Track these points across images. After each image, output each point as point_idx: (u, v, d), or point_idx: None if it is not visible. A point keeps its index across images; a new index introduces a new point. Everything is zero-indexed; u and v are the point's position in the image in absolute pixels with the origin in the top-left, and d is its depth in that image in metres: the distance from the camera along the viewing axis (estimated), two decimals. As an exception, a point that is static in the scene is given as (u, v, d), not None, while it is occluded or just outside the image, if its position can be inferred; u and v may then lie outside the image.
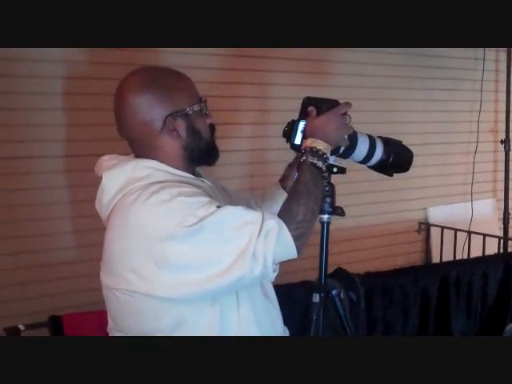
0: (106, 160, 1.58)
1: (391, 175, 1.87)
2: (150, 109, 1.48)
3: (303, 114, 1.69)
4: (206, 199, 1.44)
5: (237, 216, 1.41)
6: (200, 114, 1.55)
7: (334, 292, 1.87)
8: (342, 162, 1.75)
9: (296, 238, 1.43)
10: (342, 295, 1.88)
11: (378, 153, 1.79)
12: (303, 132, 1.67)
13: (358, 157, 1.79)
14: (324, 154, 1.58)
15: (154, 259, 1.38)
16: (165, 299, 1.42)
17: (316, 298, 1.83)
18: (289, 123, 1.73)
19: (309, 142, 1.59)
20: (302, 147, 1.60)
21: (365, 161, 1.81)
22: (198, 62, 3.09)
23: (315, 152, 1.56)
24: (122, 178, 1.48)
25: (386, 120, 3.93)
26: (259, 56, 3.41)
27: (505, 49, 4.39)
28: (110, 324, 1.59)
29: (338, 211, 1.78)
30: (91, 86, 2.89)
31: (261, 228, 1.38)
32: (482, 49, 4.38)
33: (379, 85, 4.03)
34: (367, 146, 1.78)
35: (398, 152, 1.83)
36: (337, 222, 1.88)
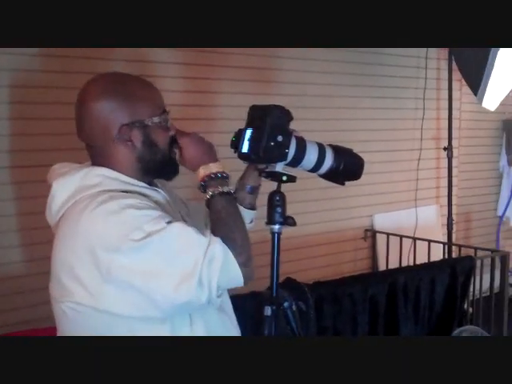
0: (57, 168, 1.53)
1: (343, 184, 1.84)
2: (108, 115, 1.44)
3: (250, 122, 1.64)
4: (156, 213, 1.38)
5: (185, 237, 1.36)
6: (160, 126, 1.50)
7: (285, 304, 1.82)
8: (291, 171, 1.71)
9: (243, 264, 1.38)
10: (293, 307, 1.83)
11: (328, 161, 1.76)
12: (250, 140, 1.62)
13: (307, 165, 1.75)
14: (223, 173, 1.51)
15: (99, 270, 1.33)
16: (110, 314, 1.37)
17: (268, 311, 1.77)
18: (236, 133, 1.68)
19: (201, 173, 1.50)
20: (199, 180, 1.51)
21: (314, 169, 1.77)
22: (141, 70, 3.02)
23: (213, 178, 1.49)
24: (72, 185, 1.44)
25: (332, 128, 3.93)
26: (205, 64, 3.37)
27: (446, 58, 4.47)
28: None
29: (289, 221, 1.73)
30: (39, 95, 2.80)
31: (205, 253, 1.33)
32: (424, 58, 4.46)
33: (324, 93, 4.04)
34: (316, 155, 1.74)
35: (349, 160, 1.80)
36: (283, 231, 1.84)
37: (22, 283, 2.80)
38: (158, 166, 1.51)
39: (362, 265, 4.38)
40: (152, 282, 1.33)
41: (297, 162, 1.71)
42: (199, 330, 1.46)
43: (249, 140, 1.62)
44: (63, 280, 1.40)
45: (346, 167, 1.78)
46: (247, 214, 1.74)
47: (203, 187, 1.49)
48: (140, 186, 1.48)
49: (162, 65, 3.21)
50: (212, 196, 1.47)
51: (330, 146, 1.79)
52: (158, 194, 1.52)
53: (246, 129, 1.65)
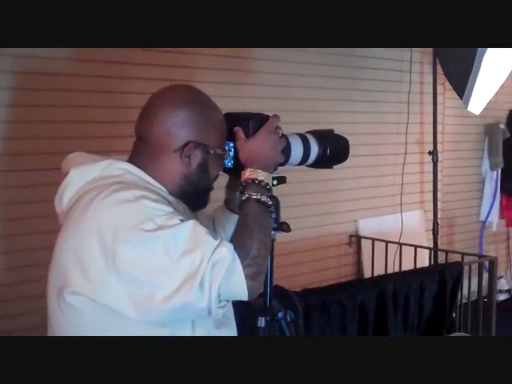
0: (75, 156, 1.51)
1: (331, 167, 1.77)
2: (181, 125, 1.44)
3: (228, 134, 1.54)
4: (169, 209, 1.34)
5: (196, 236, 1.29)
6: (218, 159, 1.50)
7: (279, 314, 1.74)
8: (279, 171, 1.63)
9: (250, 277, 1.29)
10: (288, 318, 1.75)
11: (314, 149, 1.69)
12: (234, 154, 1.53)
13: (295, 161, 1.67)
14: (267, 184, 1.47)
15: (104, 260, 1.28)
16: (107, 309, 1.30)
17: (261, 321, 1.69)
18: None
19: (248, 174, 1.46)
20: (242, 179, 1.47)
21: (303, 162, 1.69)
22: (107, 71, 2.95)
23: (257, 184, 1.45)
24: (91, 174, 1.42)
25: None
26: (178, 66, 3.28)
27: (430, 62, 4.43)
28: None
29: (283, 227, 1.65)
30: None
31: (212, 255, 1.26)
32: (408, 61, 4.42)
33: (307, 96, 3.98)
34: (302, 147, 1.66)
35: (334, 143, 1.74)
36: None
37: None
38: (197, 192, 1.49)
39: (346, 271, 4.32)
40: (155, 278, 1.27)
41: (284, 161, 1.63)
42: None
43: (232, 154, 1.53)
44: (66, 267, 1.34)
45: (333, 151, 1.72)
46: None
47: (242, 188, 1.46)
48: (162, 190, 1.45)
49: (130, 66, 3.11)
50: (247, 199, 1.42)
51: (310, 132, 1.71)
52: (179, 204, 1.47)
53: (226, 142, 1.55)
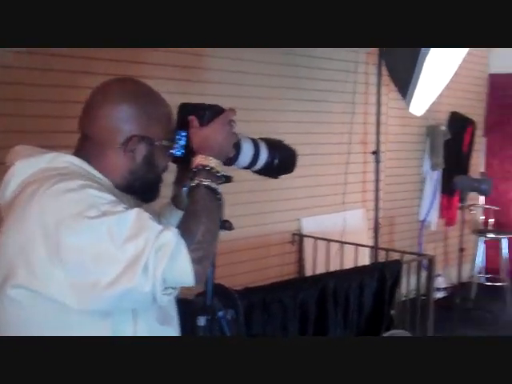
0: (20, 150, 1.48)
1: (277, 177, 1.77)
2: (123, 120, 1.43)
3: (182, 124, 1.54)
4: (113, 198, 1.32)
5: (139, 222, 1.28)
6: (164, 151, 1.49)
7: (220, 313, 1.72)
8: (225, 170, 1.61)
9: (196, 261, 1.29)
10: (228, 316, 1.74)
11: (263, 156, 1.68)
12: (185, 143, 1.52)
13: (243, 163, 1.66)
14: (217, 172, 1.46)
15: (48, 251, 1.26)
16: (51, 301, 1.27)
17: (201, 321, 1.67)
18: None
19: (199, 160, 1.45)
20: (193, 166, 1.46)
21: (250, 166, 1.68)
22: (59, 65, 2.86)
23: (208, 171, 1.44)
24: (36, 166, 1.40)
25: (259, 130, 3.82)
26: (131, 61, 3.23)
27: (375, 63, 4.48)
28: None
29: (225, 225, 1.64)
30: None
31: (156, 239, 1.25)
32: (353, 62, 4.47)
33: (251, 95, 3.97)
34: (252, 151, 1.66)
35: (283, 153, 1.74)
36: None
37: None
38: (144, 185, 1.48)
39: (289, 269, 4.33)
40: (100, 264, 1.25)
41: (232, 160, 1.62)
42: (143, 332, 1.37)
43: (183, 143, 1.52)
44: (9, 259, 1.31)
45: (281, 161, 1.72)
46: None
47: (193, 174, 1.44)
48: (107, 182, 1.43)
49: (80, 60, 3.05)
50: (197, 185, 1.41)
51: (262, 139, 1.71)
52: (123, 196, 1.45)
53: (177, 131, 1.54)
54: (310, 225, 4.42)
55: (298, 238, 4.36)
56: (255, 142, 1.68)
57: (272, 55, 3.99)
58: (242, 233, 3.98)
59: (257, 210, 4.09)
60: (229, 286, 2.81)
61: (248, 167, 1.69)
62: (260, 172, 1.73)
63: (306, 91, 4.30)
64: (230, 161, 1.62)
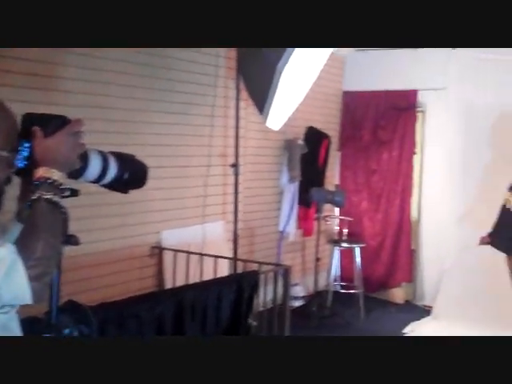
0: None
1: (126, 192, 1.75)
2: None
3: (25, 134, 1.49)
4: None
5: None
6: (4, 162, 1.41)
7: (66, 331, 1.68)
8: (72, 184, 1.58)
9: (33, 278, 1.25)
10: (75, 333, 1.69)
11: (112, 170, 1.66)
12: (28, 155, 1.47)
13: (90, 176, 1.63)
14: (60, 184, 1.42)
15: None
16: None
17: (45, 339, 1.62)
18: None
19: (41, 172, 1.41)
20: (35, 178, 1.41)
21: (98, 180, 1.65)
22: None
23: (50, 184, 1.40)
24: None
25: (121, 142, 3.79)
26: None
27: (234, 77, 4.56)
28: None
29: (71, 240, 1.60)
30: None
31: None
32: (213, 76, 4.53)
33: (114, 106, 3.91)
34: (100, 164, 1.63)
35: (133, 168, 1.72)
36: (67, 250, 1.71)
37: None
38: None
39: (148, 283, 4.29)
40: None
41: (79, 173, 1.58)
42: None
43: (26, 155, 1.47)
44: None
45: (131, 175, 1.70)
46: None
47: (34, 187, 1.38)
48: None
49: None
50: (38, 199, 1.36)
51: (112, 153, 1.69)
52: None
53: (21, 141, 1.48)
54: (170, 237, 4.41)
55: (158, 250, 4.33)
56: (104, 156, 1.65)
57: (130, 66, 3.96)
58: (102, 246, 3.90)
59: (116, 224, 4.02)
60: (86, 301, 2.75)
61: (96, 181, 1.65)
62: (109, 186, 1.70)
63: (166, 103, 4.30)
64: (76, 173, 1.58)
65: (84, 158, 1.57)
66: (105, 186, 1.69)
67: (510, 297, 4.50)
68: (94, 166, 1.61)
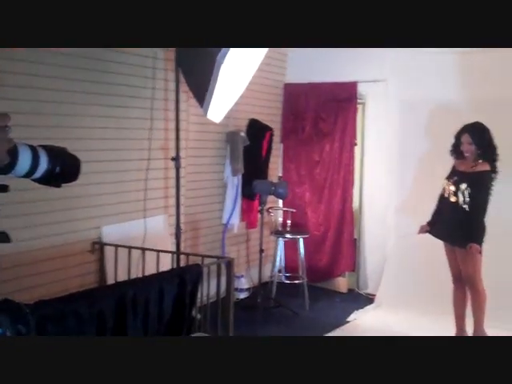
0: None
1: (59, 186, 1.71)
2: None
3: None
4: None
5: None
6: None
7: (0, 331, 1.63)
8: (1, 179, 1.54)
9: None
10: (8, 333, 1.64)
11: (43, 164, 1.62)
12: None
13: (20, 171, 1.59)
14: None
15: None
16: None
17: (-25, 340, 1.57)
18: None
19: None
20: None
21: (29, 174, 1.61)
22: None
23: None
24: None
25: (62, 136, 3.70)
26: None
27: (173, 68, 4.51)
28: None
29: (0, 237, 1.55)
30: None
31: None
32: (152, 68, 4.47)
33: (55, 99, 3.82)
34: (30, 158, 1.59)
35: (65, 161, 1.69)
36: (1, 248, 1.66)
37: None
38: None
39: (90, 279, 4.22)
40: None
41: (8, 168, 1.54)
42: None
43: None
44: None
45: (63, 169, 1.66)
46: None
47: None
48: None
49: None
50: None
51: (43, 147, 1.65)
52: None
53: None
54: (112, 232, 4.34)
55: (99, 246, 4.26)
56: (34, 150, 1.61)
57: (66, 58, 3.86)
58: (41, 243, 3.81)
59: (55, 219, 3.93)
60: (26, 299, 2.68)
61: (27, 175, 1.61)
62: (41, 181, 1.66)
63: (104, 96, 4.22)
64: (5, 169, 1.54)
65: (13, 153, 1.53)
66: (36, 180, 1.65)
67: (449, 283, 4.63)
68: (24, 161, 1.57)
